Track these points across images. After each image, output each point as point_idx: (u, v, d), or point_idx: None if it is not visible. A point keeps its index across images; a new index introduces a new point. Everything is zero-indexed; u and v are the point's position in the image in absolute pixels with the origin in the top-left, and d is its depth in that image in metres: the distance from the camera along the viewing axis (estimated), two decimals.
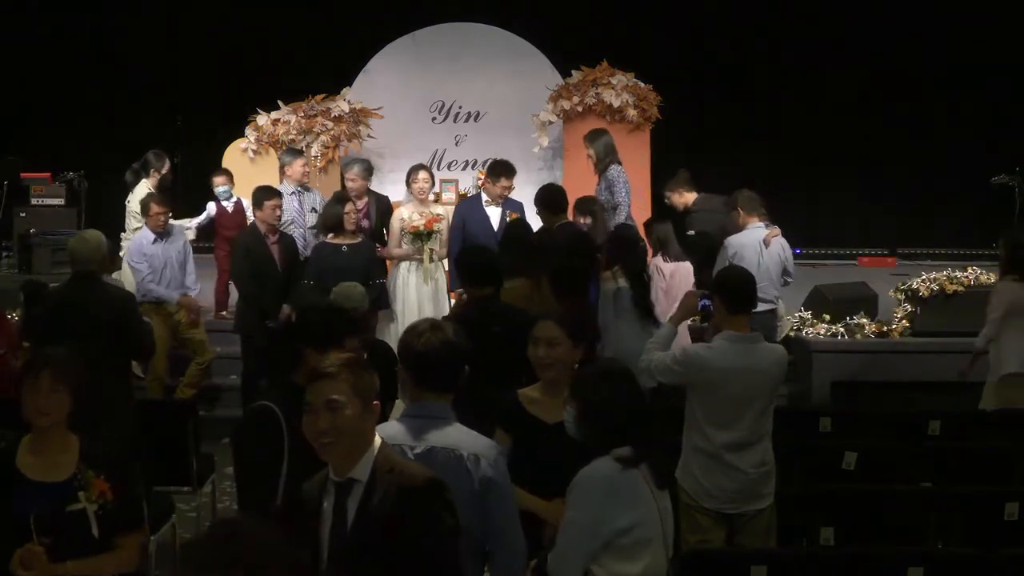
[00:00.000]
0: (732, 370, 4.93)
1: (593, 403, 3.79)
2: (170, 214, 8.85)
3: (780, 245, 8.23)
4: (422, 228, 8.68)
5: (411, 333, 3.82)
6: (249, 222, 8.92)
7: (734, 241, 8.14)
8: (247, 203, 9.18)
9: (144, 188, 9.47)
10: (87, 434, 3.89)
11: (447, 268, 8.96)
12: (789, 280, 8.37)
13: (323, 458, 3.21)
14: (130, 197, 9.55)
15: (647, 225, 8.53)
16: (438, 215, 8.87)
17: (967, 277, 9.34)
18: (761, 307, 8.10)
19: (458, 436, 3.66)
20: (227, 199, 9.80)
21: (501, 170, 8.84)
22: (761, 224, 8.22)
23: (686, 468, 5.04)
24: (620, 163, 9.09)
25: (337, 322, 4.42)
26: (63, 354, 3.89)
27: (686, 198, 8.76)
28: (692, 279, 7.98)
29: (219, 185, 9.83)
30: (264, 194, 8.37)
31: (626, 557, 3.62)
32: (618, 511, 3.61)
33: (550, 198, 7.85)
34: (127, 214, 9.53)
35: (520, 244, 6.98)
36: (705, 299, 5.33)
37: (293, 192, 9.17)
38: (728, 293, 5.09)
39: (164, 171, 9.70)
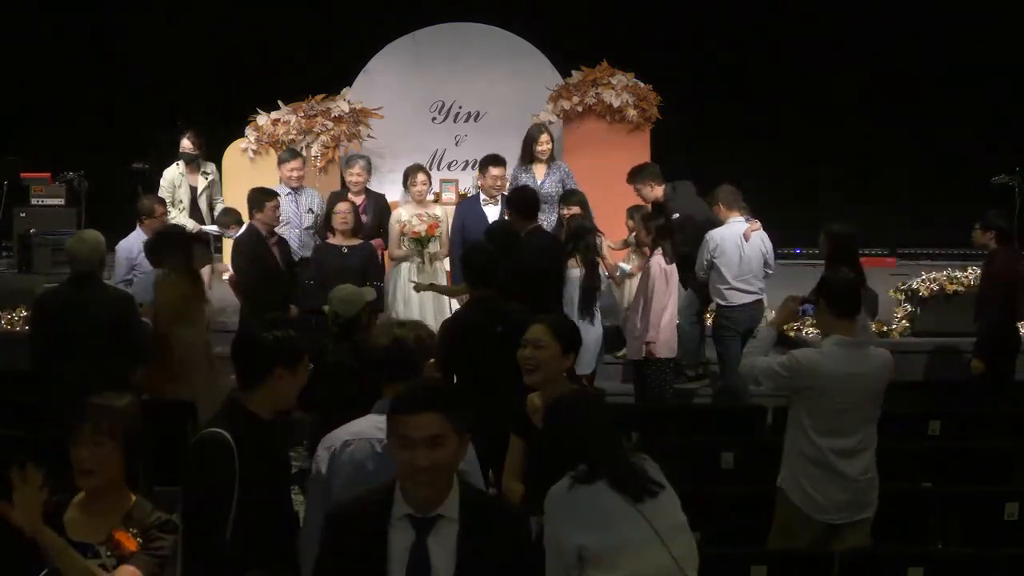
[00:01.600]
0: (842, 376, 4.84)
1: (549, 430, 3.85)
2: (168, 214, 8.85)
3: (760, 238, 8.36)
4: (424, 234, 8.66)
5: (380, 335, 4.02)
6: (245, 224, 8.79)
7: (715, 235, 8.29)
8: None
9: (172, 167, 9.54)
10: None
11: (447, 268, 8.97)
12: (769, 272, 8.47)
13: (412, 493, 2.97)
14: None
15: (645, 220, 8.54)
16: (438, 219, 8.85)
17: (967, 277, 9.35)
18: (747, 298, 8.28)
19: None
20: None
21: (488, 161, 8.86)
22: (742, 218, 8.35)
23: (793, 479, 4.95)
24: None
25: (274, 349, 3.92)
26: (109, 401, 3.42)
27: (656, 191, 8.80)
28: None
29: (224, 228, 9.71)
30: (263, 195, 8.34)
31: (603, 567, 3.58)
32: (576, 527, 3.58)
33: (523, 203, 7.70)
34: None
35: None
36: (805, 303, 5.23)
37: (288, 193, 9.15)
38: (833, 296, 5.00)
39: (184, 144, 9.67)
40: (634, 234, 8.96)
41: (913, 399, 7.80)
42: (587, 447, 3.69)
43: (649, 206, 8.93)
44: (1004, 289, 8.13)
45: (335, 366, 5.74)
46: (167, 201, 9.26)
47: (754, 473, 5.71)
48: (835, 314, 4.96)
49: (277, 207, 8.34)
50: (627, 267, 9.09)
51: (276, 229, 8.46)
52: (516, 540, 3.06)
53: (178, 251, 7.25)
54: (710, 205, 8.50)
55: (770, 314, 9.02)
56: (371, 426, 3.80)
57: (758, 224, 8.36)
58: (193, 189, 9.68)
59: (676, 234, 8.34)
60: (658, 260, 7.92)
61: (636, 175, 8.92)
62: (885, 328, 9.31)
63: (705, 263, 8.30)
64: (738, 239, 8.25)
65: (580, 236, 8.15)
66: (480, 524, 2.98)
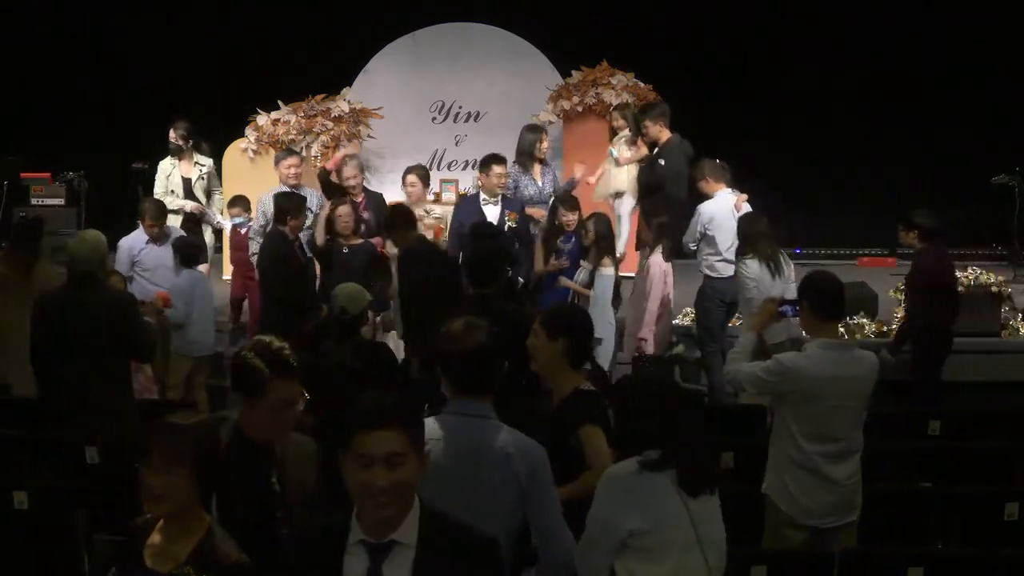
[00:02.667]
0: (828, 379, 4.74)
1: (626, 408, 3.82)
2: (163, 224, 8.76)
3: (748, 210, 8.37)
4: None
5: (448, 337, 3.78)
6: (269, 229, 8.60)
7: (708, 208, 8.33)
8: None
9: (166, 159, 9.59)
10: (225, 520, 3.31)
11: None
12: None
13: (368, 516, 2.80)
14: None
15: (646, 218, 8.59)
16: (439, 221, 8.84)
17: (967, 277, 9.33)
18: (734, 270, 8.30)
19: (505, 435, 3.68)
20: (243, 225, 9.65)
21: (491, 160, 8.82)
22: (729, 190, 8.40)
23: (779, 484, 4.89)
24: None
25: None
26: (176, 426, 3.30)
27: (663, 134, 8.88)
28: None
29: (235, 216, 9.64)
30: (299, 201, 8.34)
31: (646, 559, 3.59)
32: (628, 512, 3.57)
33: (401, 216, 7.78)
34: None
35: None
36: (787, 305, 5.13)
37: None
38: (818, 298, 4.89)
39: (172, 137, 9.65)
40: (624, 132, 9.54)
41: (912, 399, 7.81)
42: (665, 434, 3.64)
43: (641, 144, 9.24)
44: (927, 290, 8.06)
45: (337, 366, 5.73)
46: (162, 190, 9.39)
47: (754, 473, 5.70)
48: (820, 316, 4.87)
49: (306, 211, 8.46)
50: (615, 152, 9.46)
51: None
52: (481, 568, 2.88)
53: (23, 239, 7.43)
54: (696, 180, 8.51)
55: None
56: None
57: (746, 196, 8.40)
58: (187, 180, 9.63)
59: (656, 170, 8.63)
60: (657, 260, 7.93)
61: (650, 110, 9.09)
62: (885, 328, 9.31)
63: (697, 235, 8.30)
64: (731, 211, 8.28)
65: (608, 237, 8.20)
66: (440, 551, 2.80)
